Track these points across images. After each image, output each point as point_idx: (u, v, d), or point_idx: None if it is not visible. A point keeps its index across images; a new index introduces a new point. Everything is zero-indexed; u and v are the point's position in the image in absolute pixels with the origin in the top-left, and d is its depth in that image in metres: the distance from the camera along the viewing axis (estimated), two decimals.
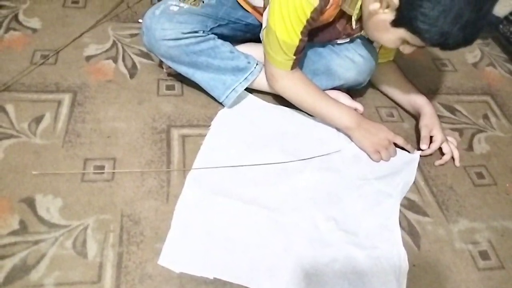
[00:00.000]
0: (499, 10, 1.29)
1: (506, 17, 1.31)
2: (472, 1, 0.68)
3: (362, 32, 0.91)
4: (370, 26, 0.83)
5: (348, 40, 0.96)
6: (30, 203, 0.76)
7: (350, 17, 0.86)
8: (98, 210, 0.77)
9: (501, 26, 1.34)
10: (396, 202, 0.87)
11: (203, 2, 0.94)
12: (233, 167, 0.87)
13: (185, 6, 0.91)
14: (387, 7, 0.75)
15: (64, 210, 0.76)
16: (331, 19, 0.87)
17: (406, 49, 0.83)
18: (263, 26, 0.88)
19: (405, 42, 0.80)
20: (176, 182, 0.84)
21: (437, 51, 1.29)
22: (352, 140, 0.96)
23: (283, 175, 0.88)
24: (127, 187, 0.82)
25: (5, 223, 0.73)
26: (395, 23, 0.76)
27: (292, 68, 0.90)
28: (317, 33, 0.92)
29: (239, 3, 0.98)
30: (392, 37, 0.79)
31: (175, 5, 0.91)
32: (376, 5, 0.76)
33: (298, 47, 0.86)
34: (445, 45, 0.75)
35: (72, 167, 0.83)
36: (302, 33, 0.83)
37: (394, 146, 0.95)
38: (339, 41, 0.96)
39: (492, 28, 1.36)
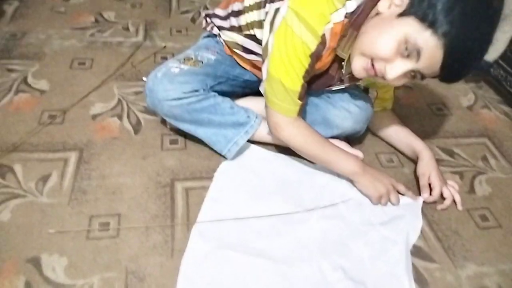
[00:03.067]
0: (488, 56, 1.34)
1: (496, 61, 1.36)
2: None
3: (361, 82, 0.92)
4: (367, 30, 0.80)
5: (343, 86, 0.97)
6: (35, 263, 0.76)
7: (342, 61, 0.88)
8: (103, 268, 0.77)
9: (492, 70, 1.39)
10: (402, 249, 0.87)
11: (202, 62, 0.98)
12: (238, 219, 0.87)
13: (186, 67, 0.96)
14: (397, 5, 0.76)
15: (69, 269, 0.76)
16: (327, 66, 0.90)
17: (395, 68, 0.77)
18: (263, 78, 0.90)
19: (400, 48, 0.75)
20: (181, 236, 0.84)
21: (431, 95, 1.33)
22: (356, 186, 0.96)
23: (288, 225, 0.88)
24: (132, 243, 0.82)
25: (10, 285, 0.73)
26: (404, 12, 0.74)
27: (298, 114, 0.90)
28: (313, 80, 0.93)
29: (236, 62, 1.03)
30: (393, 32, 0.75)
31: (176, 67, 0.95)
32: (386, 3, 0.77)
33: (300, 92, 0.87)
34: (453, 40, 0.71)
35: (77, 225, 0.84)
36: (303, 77, 0.85)
37: (397, 193, 0.96)
38: (334, 88, 0.98)
39: (484, 72, 1.40)
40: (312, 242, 0.85)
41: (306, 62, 0.83)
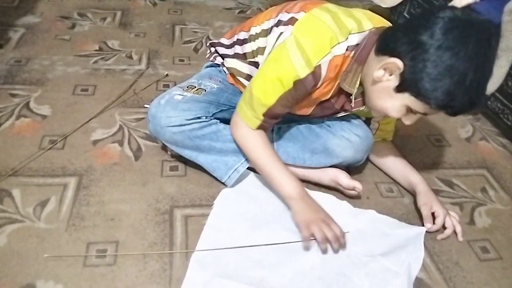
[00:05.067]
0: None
1: (493, 95, 1.38)
2: (474, 61, 0.72)
3: (364, 108, 0.93)
4: (373, 96, 0.85)
5: (348, 112, 0.97)
6: None
7: (348, 94, 0.90)
8: None
9: (489, 103, 1.41)
10: (404, 280, 0.85)
11: (205, 90, 1.00)
12: (237, 247, 0.86)
13: (189, 95, 0.97)
14: (391, 74, 0.79)
15: None
16: (328, 96, 0.91)
17: (409, 119, 0.85)
18: None
19: (408, 109, 0.82)
20: (179, 265, 0.83)
21: (430, 126, 1.35)
22: (290, 211, 0.93)
23: (288, 254, 0.87)
24: (129, 271, 0.81)
25: None
26: (399, 88, 0.78)
27: (258, 128, 0.91)
28: (316, 108, 0.94)
29: (239, 90, 1.04)
30: (396, 103, 0.81)
31: (179, 94, 0.97)
32: (380, 73, 0.79)
33: (270, 109, 0.87)
34: (450, 107, 0.77)
35: (74, 251, 0.82)
36: (281, 98, 0.86)
37: (335, 224, 0.89)
38: (339, 115, 0.98)
39: (481, 105, 1.42)
40: (312, 272, 0.84)
41: (287, 85, 0.84)
